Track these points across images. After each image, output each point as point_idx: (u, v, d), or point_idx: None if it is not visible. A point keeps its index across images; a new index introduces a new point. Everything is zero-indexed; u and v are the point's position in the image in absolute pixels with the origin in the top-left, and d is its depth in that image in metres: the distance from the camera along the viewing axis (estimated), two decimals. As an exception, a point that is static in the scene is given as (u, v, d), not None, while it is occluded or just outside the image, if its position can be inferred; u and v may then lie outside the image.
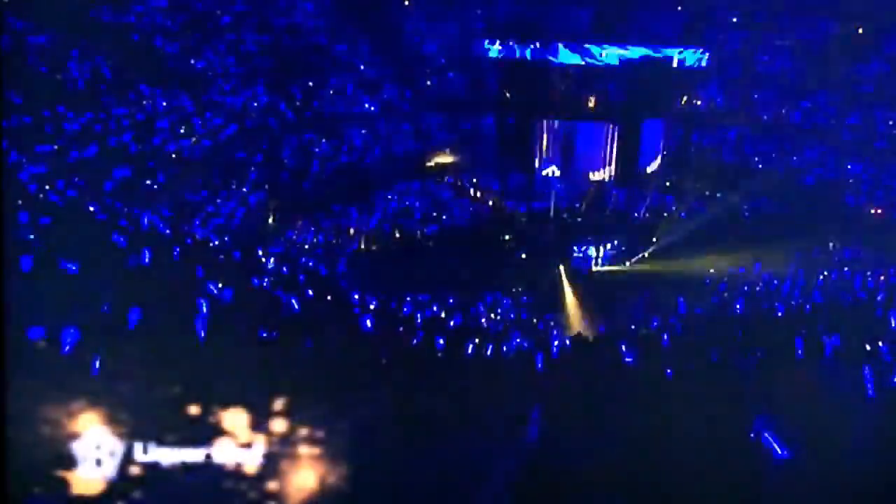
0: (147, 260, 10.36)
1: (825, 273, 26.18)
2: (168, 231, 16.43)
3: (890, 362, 6.30)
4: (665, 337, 13.52)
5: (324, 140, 32.33)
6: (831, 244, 28.28)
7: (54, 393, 3.34)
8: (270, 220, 27.75)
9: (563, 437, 8.74)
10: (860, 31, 33.08)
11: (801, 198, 29.86)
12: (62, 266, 8.62)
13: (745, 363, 6.83)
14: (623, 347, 12.42)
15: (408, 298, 21.32)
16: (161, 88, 27.06)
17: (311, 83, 33.27)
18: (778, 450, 4.32)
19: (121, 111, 24.59)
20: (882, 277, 23.85)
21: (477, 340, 15.99)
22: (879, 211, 29.32)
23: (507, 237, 31.50)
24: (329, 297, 13.70)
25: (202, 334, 7.70)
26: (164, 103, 26.85)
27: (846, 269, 25.95)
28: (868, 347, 7.27)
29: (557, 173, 34.13)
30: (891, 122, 31.22)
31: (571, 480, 6.49)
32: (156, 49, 29.21)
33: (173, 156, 25.42)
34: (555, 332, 21.85)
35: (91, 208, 15.50)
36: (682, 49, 31.55)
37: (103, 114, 23.62)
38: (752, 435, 4.61)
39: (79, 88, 23.88)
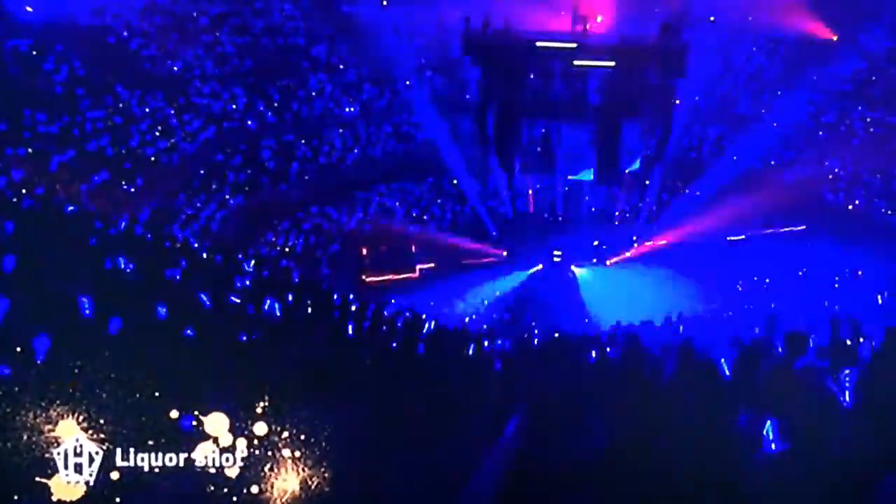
0: (124, 264, 10.27)
1: (803, 270, 26.45)
2: (147, 234, 16.30)
3: (867, 359, 6.36)
4: (646, 334, 13.60)
5: (303, 141, 32.20)
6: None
7: (33, 399, 3.30)
8: (251, 223, 27.59)
9: (546, 436, 8.75)
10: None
11: (780, 194, 30.03)
12: (38, 271, 8.53)
13: (727, 359, 6.87)
14: (606, 346, 12.49)
15: (392, 301, 21.30)
16: (139, 91, 26.86)
17: (289, 84, 33.13)
18: (771, 445, 4.34)
19: (97, 114, 24.38)
20: (859, 272, 24.13)
21: (458, 342, 16.00)
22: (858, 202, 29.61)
23: (488, 237, 31.54)
24: (309, 301, 13.62)
25: (181, 339, 7.65)
26: (143, 107, 26.68)
27: (823, 266, 26.24)
28: (849, 342, 7.34)
29: (537, 172, 34.05)
30: (868, 120, 31.50)
31: (555, 479, 6.50)
32: (132, 51, 28.98)
33: (151, 159, 25.23)
34: (536, 332, 21.91)
35: (70, 208, 15.37)
36: None
37: (79, 117, 23.42)
38: (737, 431, 4.64)
39: (55, 92, 23.66)
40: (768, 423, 4.38)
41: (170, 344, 6.97)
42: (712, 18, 34.03)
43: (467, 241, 30.94)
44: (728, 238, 29.51)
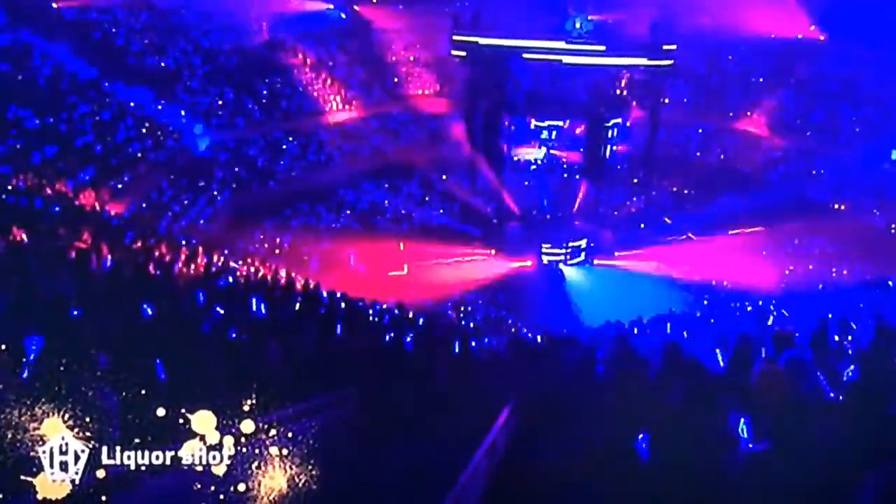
0: (111, 262, 10.20)
1: (791, 267, 26.58)
2: (133, 232, 16.23)
3: (854, 356, 6.39)
4: (634, 334, 13.62)
5: (290, 138, 32.13)
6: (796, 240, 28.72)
7: (18, 398, 3.27)
8: (238, 220, 27.48)
9: (535, 436, 8.75)
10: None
11: (767, 193, 30.19)
12: (25, 270, 8.46)
13: (714, 359, 6.88)
14: (594, 346, 12.48)
15: (380, 298, 21.22)
16: (125, 87, 26.74)
17: (278, 81, 33.07)
18: (750, 444, 4.35)
19: (84, 110, 24.24)
20: (845, 272, 24.29)
21: (447, 339, 15.97)
22: (843, 207, 29.79)
23: (476, 235, 31.55)
24: (299, 299, 13.58)
25: (169, 336, 7.60)
26: (130, 102, 26.59)
27: (810, 266, 26.41)
28: (837, 338, 7.37)
29: (525, 171, 34.06)
30: (854, 119, 31.70)
31: (542, 479, 6.50)
32: (119, 47, 28.85)
33: (138, 155, 25.12)
34: (524, 331, 21.90)
35: (56, 209, 15.30)
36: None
37: (65, 113, 23.28)
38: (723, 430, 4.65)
39: (40, 87, 23.51)
40: (741, 421, 4.40)
41: (157, 341, 6.92)
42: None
43: (456, 238, 30.85)
44: (716, 237, 29.58)
